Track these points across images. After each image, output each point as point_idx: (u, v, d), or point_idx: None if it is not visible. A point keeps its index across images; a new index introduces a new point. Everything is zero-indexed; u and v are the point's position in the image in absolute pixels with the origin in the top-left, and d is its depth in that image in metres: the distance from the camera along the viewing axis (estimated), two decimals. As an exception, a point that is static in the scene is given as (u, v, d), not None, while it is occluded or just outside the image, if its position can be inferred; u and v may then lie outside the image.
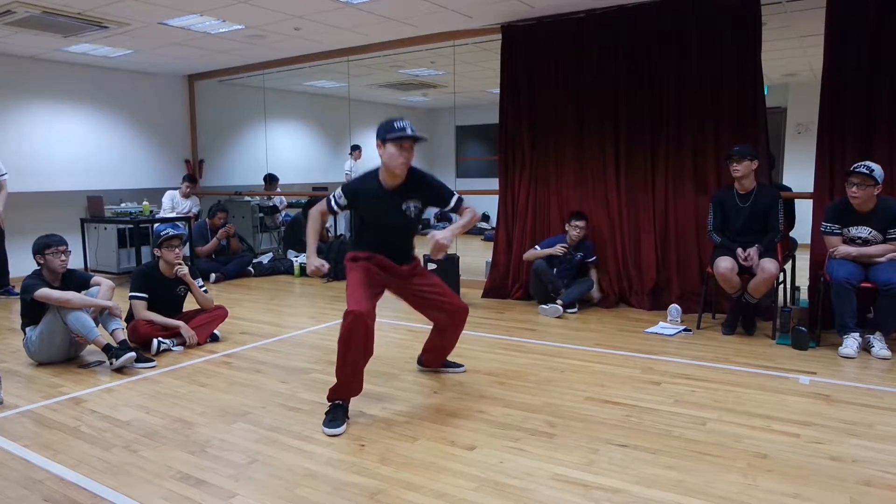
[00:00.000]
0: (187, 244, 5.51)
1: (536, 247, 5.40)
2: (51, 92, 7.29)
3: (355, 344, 2.85)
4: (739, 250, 4.22)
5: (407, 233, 3.26)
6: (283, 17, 5.67)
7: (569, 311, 5.14)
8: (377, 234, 3.16)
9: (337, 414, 2.89)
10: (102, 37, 6.16)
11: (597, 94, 5.37)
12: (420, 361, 3.72)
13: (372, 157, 3.60)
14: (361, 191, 3.08)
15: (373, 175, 3.08)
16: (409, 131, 2.88)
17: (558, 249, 5.24)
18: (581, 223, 5.22)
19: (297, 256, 7.71)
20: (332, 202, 3.11)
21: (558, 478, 2.38)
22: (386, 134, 2.89)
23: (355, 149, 9.41)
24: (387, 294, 3.24)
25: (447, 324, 3.41)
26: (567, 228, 5.28)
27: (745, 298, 4.33)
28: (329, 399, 2.97)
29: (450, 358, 3.69)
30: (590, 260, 5.36)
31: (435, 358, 3.65)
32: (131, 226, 6.93)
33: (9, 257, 6.32)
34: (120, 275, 6.95)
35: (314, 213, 3.16)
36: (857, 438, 2.69)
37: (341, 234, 8.46)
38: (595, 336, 4.47)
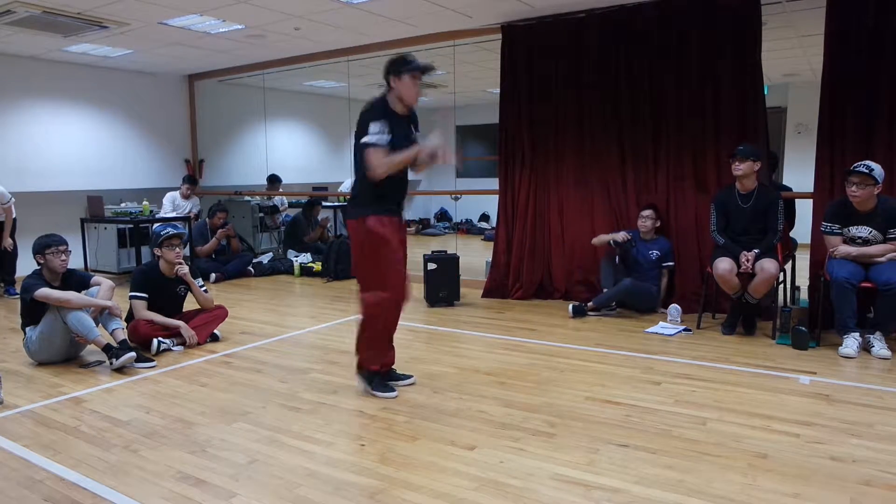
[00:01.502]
0: (187, 244, 5.52)
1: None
2: (51, 92, 7.29)
3: (391, 322, 3.24)
4: (742, 257, 4.22)
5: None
6: (282, 17, 5.67)
7: (591, 314, 5.00)
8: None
9: (383, 381, 3.27)
10: (102, 37, 6.16)
11: (597, 94, 5.37)
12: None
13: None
14: (390, 115, 3.09)
15: (384, 104, 3.12)
16: (419, 63, 3.14)
17: (620, 235, 4.96)
18: (648, 213, 4.98)
19: (296, 256, 7.71)
20: (384, 137, 2.98)
21: (558, 478, 2.38)
22: (402, 67, 3.10)
23: None
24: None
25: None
26: (638, 222, 5.06)
27: (745, 298, 4.33)
28: (364, 367, 3.28)
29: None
30: (665, 264, 5.02)
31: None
32: (131, 226, 6.94)
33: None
34: (120, 275, 6.95)
35: (382, 158, 2.96)
36: (858, 438, 2.69)
37: (341, 234, 8.47)
38: (595, 336, 4.47)
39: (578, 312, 5.00)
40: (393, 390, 3.27)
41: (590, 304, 5.03)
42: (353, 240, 3.21)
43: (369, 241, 3.11)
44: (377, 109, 3.08)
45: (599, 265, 5.19)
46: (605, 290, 5.02)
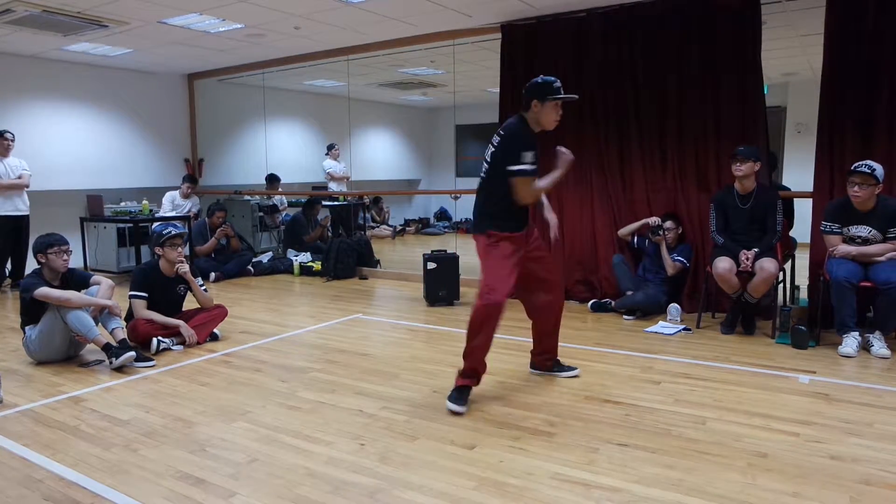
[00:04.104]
0: (187, 243, 5.51)
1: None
2: (50, 91, 7.29)
3: (489, 329, 3.07)
4: (742, 255, 4.22)
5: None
6: (282, 16, 5.67)
7: (626, 317, 4.94)
8: None
9: (463, 393, 3.07)
10: (102, 36, 6.16)
11: (597, 94, 5.36)
12: (533, 365, 3.68)
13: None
14: (534, 140, 3.11)
15: (529, 130, 3.14)
16: (564, 94, 3.12)
17: (652, 220, 4.99)
18: (668, 224, 4.97)
19: (296, 255, 7.71)
20: (530, 165, 3.02)
21: (558, 477, 2.38)
22: (548, 95, 3.07)
23: (333, 147, 9.26)
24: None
25: (546, 301, 3.47)
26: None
27: (745, 298, 4.33)
28: (459, 383, 3.10)
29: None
30: (677, 258, 4.96)
31: (546, 353, 3.60)
32: (131, 225, 6.94)
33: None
34: (120, 274, 6.95)
35: (531, 187, 3.06)
36: (857, 437, 2.69)
37: (341, 234, 8.47)
38: (595, 335, 4.47)
39: (599, 309, 5.12)
40: (464, 405, 3.05)
41: (613, 303, 5.12)
42: (480, 253, 3.22)
43: (494, 248, 3.14)
44: (527, 137, 3.09)
45: (612, 267, 5.20)
46: (628, 293, 5.01)
